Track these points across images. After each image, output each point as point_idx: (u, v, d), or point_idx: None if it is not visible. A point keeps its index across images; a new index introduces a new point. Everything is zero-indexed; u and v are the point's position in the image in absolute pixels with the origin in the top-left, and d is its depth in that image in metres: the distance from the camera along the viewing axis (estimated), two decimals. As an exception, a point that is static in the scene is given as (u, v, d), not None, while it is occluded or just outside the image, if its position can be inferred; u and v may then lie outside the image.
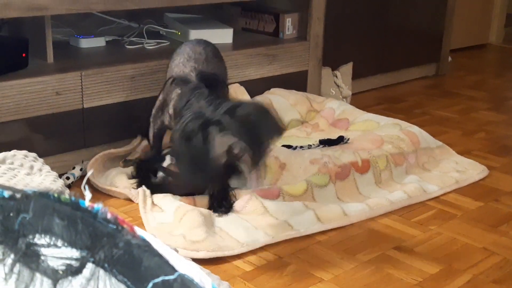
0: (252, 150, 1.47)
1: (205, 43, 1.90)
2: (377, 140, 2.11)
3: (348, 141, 2.17)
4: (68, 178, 1.91)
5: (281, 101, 2.41)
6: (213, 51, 1.89)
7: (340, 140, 2.18)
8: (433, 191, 1.98)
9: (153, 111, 1.86)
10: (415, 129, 2.23)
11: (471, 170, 2.13)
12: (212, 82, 1.73)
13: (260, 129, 1.48)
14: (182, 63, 1.82)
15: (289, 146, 2.15)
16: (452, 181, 2.04)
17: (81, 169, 1.98)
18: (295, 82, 2.56)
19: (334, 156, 1.97)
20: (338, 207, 1.81)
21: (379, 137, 2.13)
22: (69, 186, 1.91)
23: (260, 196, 1.78)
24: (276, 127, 1.52)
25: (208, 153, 1.46)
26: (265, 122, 1.50)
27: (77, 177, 1.97)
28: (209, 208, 1.75)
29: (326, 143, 2.18)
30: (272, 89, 2.47)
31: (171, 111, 1.75)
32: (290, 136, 2.31)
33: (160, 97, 1.83)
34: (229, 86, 2.18)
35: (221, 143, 1.46)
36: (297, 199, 1.83)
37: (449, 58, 3.65)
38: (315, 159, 1.95)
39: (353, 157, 1.98)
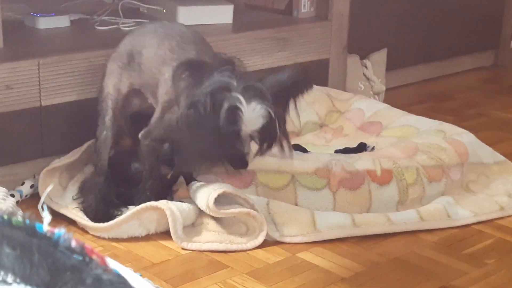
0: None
1: (176, 23, 1.98)
2: (410, 148, 2.10)
3: (373, 150, 2.17)
4: (13, 195, 1.90)
5: (294, 98, 2.41)
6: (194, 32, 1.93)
7: (361, 148, 2.18)
8: (462, 217, 1.96)
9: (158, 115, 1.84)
10: (465, 138, 2.21)
11: None
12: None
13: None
14: (179, 47, 1.82)
15: (303, 149, 2.18)
16: (495, 207, 2.03)
17: (31, 186, 1.99)
18: (313, 73, 2.56)
19: (347, 161, 1.98)
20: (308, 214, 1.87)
21: (414, 145, 2.12)
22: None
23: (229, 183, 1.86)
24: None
25: (229, 125, 1.58)
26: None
27: (26, 196, 1.98)
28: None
29: (343, 152, 2.18)
30: (284, 83, 2.47)
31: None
32: (305, 144, 2.31)
33: (166, 97, 1.80)
34: None
35: (253, 117, 1.60)
36: (272, 193, 1.88)
37: (511, 45, 3.65)
38: (317, 161, 1.99)
39: (372, 165, 1.99)
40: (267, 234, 1.80)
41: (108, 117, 1.88)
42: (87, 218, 1.85)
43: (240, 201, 1.81)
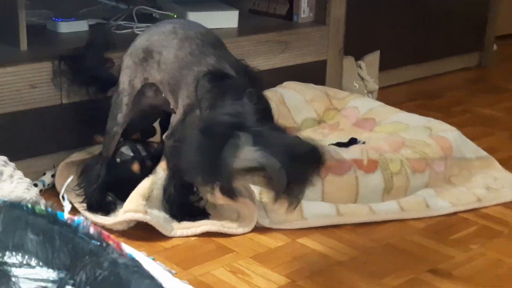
0: (290, 181, 1.47)
1: (193, 22, 1.90)
2: (397, 143, 2.11)
3: (364, 144, 2.17)
4: (36, 185, 1.91)
5: (294, 97, 2.41)
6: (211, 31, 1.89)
7: (352, 143, 2.18)
8: (441, 208, 1.97)
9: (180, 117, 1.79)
10: (450, 135, 2.20)
11: (508, 189, 2.09)
12: (256, 80, 1.74)
13: (305, 164, 1.49)
14: (199, 51, 1.78)
15: None
16: (473, 199, 2.03)
17: (52, 176, 1.99)
18: (312, 74, 2.56)
19: (335, 151, 2.00)
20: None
21: (401, 140, 2.13)
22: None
23: None
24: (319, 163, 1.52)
25: (225, 158, 1.46)
26: (311, 156, 1.50)
27: (48, 185, 1.98)
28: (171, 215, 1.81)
29: (335, 145, 2.18)
30: (285, 83, 2.47)
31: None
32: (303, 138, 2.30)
33: (188, 101, 1.76)
34: None
35: (248, 157, 1.46)
36: None
37: (495, 47, 3.64)
38: None
39: (360, 155, 2.00)
40: (257, 222, 1.81)
41: (120, 114, 1.86)
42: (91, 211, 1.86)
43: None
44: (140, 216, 1.75)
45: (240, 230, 1.80)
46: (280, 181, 1.45)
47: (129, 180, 1.86)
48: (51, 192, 1.97)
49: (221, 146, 1.46)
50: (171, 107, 1.83)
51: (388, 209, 1.94)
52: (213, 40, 1.83)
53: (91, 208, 1.86)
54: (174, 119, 1.80)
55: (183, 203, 1.81)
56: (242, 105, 1.57)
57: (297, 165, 1.48)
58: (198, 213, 1.83)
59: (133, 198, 1.79)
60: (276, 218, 1.84)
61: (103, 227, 1.78)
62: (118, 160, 1.90)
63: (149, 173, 1.86)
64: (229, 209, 1.83)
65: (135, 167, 1.89)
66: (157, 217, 1.78)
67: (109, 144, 1.88)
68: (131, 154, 1.91)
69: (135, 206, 1.76)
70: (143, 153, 1.92)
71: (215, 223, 1.81)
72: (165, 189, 1.80)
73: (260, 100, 1.63)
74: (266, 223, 1.83)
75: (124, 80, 1.86)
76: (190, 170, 1.55)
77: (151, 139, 2.06)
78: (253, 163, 1.46)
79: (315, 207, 1.88)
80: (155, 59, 1.82)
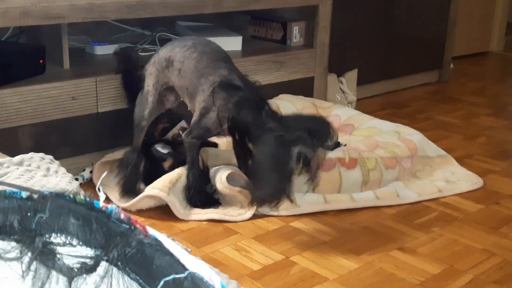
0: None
1: (209, 41, 1.88)
2: (372, 144, 2.11)
3: (345, 146, 2.17)
4: (77, 179, 1.92)
5: (288, 106, 2.40)
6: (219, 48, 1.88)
7: (336, 146, 2.18)
8: (408, 197, 1.97)
9: (196, 118, 1.79)
10: (415, 137, 2.20)
11: (463, 182, 2.09)
12: (258, 89, 1.74)
13: (321, 136, 1.60)
14: (214, 64, 1.78)
15: None
16: (435, 189, 2.02)
17: (90, 172, 1.99)
18: (302, 88, 2.56)
19: (323, 151, 1.98)
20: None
21: (375, 142, 2.13)
22: (80, 188, 1.92)
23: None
24: (331, 134, 1.62)
25: (289, 167, 1.56)
26: (323, 129, 1.61)
27: (87, 179, 1.98)
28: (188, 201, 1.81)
29: None
30: (280, 95, 2.47)
31: (215, 118, 1.72)
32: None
33: (204, 104, 1.75)
34: None
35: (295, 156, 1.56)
36: None
37: (451, 65, 3.64)
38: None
39: (342, 154, 2.00)
40: (257, 210, 1.81)
41: (147, 110, 1.85)
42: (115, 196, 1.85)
43: (242, 182, 1.82)
44: (162, 195, 1.75)
45: (239, 218, 1.79)
46: (315, 165, 1.59)
47: (159, 173, 1.84)
48: (89, 185, 1.97)
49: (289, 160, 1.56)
50: (188, 109, 1.83)
51: (366, 197, 1.94)
52: (224, 56, 1.83)
53: (124, 190, 1.84)
54: (192, 119, 1.80)
55: (199, 190, 1.80)
56: (281, 120, 1.63)
57: (318, 143, 1.59)
58: (211, 201, 1.82)
59: (162, 179, 1.79)
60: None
61: (130, 211, 1.78)
62: (153, 154, 1.90)
63: (175, 167, 1.85)
64: (234, 199, 1.83)
65: (167, 164, 1.88)
66: (174, 200, 1.77)
67: (138, 135, 1.88)
68: (165, 151, 1.90)
69: (161, 186, 1.76)
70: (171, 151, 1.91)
71: (219, 211, 1.80)
72: (187, 176, 1.80)
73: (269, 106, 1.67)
74: (266, 211, 1.83)
75: (149, 83, 1.86)
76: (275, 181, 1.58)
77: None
78: (299, 160, 1.58)
79: (306, 196, 1.88)
80: (175, 67, 1.81)
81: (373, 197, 1.94)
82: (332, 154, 1.99)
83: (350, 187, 1.97)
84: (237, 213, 1.81)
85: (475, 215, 1.88)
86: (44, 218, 0.68)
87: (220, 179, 1.78)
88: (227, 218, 1.79)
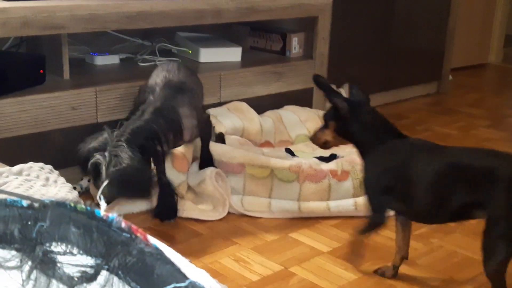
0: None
1: (179, 63, 1.97)
2: None
3: (342, 158, 2.16)
4: (75, 188, 1.91)
5: (291, 116, 2.41)
6: (186, 67, 1.95)
7: (332, 157, 2.18)
8: None
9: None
10: None
11: None
12: (179, 88, 1.79)
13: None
14: (155, 74, 1.86)
15: (292, 153, 2.20)
16: None
17: (88, 180, 1.99)
18: (301, 99, 2.57)
19: (316, 163, 2.00)
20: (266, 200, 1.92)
21: None
22: (81, 197, 1.92)
23: (223, 170, 1.93)
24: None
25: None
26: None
27: (85, 188, 1.98)
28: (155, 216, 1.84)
29: (319, 159, 2.18)
30: (285, 106, 2.47)
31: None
32: (297, 151, 2.30)
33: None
34: (233, 103, 2.28)
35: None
36: (255, 180, 1.93)
37: (450, 77, 3.65)
38: (293, 160, 2.03)
39: (335, 166, 2.00)
40: (234, 208, 1.88)
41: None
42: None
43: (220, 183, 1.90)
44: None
45: (214, 216, 1.85)
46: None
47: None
48: (86, 194, 1.97)
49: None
50: None
51: (342, 207, 1.93)
52: (177, 68, 1.89)
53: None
54: None
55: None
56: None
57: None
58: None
59: None
60: (250, 208, 1.90)
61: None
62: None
63: None
64: (206, 198, 1.88)
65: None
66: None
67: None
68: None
69: None
70: None
71: (196, 209, 1.86)
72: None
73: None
74: (241, 210, 1.89)
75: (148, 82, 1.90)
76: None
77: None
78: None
79: (282, 204, 1.92)
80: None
81: (352, 208, 1.94)
82: (325, 166, 1.99)
83: (339, 199, 1.97)
84: (212, 212, 1.86)
85: (473, 226, 1.88)
86: (44, 226, 0.68)
87: (210, 175, 1.84)
88: (203, 216, 1.84)
